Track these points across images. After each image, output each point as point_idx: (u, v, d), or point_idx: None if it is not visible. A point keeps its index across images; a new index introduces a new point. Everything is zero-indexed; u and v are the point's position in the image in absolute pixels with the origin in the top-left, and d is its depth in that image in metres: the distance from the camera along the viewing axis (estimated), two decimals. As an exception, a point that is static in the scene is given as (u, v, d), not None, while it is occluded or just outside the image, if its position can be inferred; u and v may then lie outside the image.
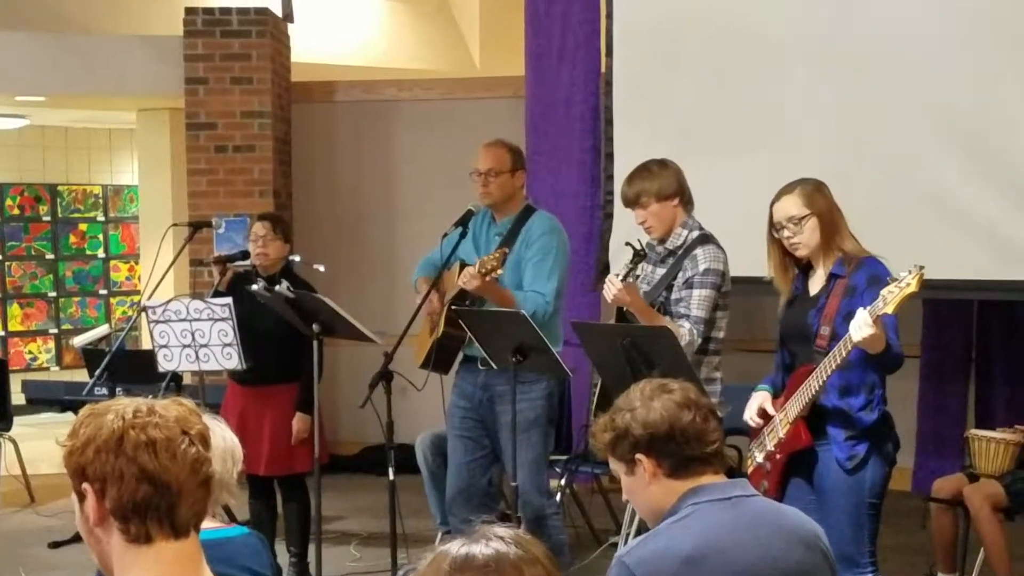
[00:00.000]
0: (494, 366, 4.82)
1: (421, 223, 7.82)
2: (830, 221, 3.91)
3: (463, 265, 4.89)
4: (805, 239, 3.90)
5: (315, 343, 5.13)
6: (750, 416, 3.97)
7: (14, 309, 11.11)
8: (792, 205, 3.91)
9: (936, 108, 6.10)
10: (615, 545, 5.65)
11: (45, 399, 7.73)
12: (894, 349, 3.69)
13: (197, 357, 5.21)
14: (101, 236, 11.57)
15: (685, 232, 4.56)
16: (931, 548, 5.38)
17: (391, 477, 4.80)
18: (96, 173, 11.54)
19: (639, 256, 4.36)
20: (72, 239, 11.41)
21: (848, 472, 3.80)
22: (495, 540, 1.64)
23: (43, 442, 7.35)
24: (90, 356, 7.25)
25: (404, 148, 8.52)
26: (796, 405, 3.81)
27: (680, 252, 4.53)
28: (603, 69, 7.53)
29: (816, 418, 3.82)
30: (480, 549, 1.62)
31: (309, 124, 8.61)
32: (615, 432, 2.58)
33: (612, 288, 4.26)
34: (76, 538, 5.79)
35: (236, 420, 5.21)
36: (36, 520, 7.09)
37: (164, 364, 5.28)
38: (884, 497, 3.88)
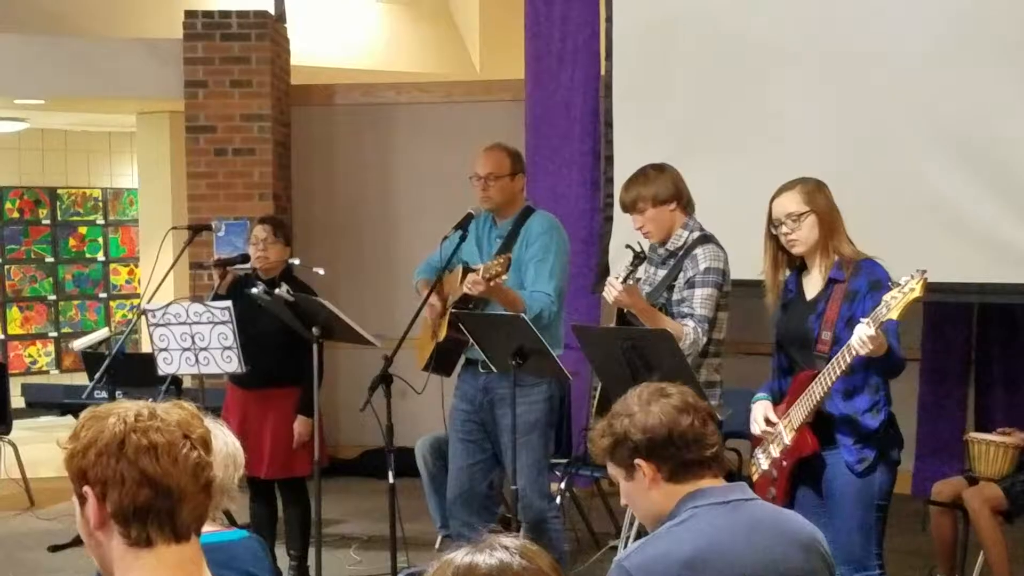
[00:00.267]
0: (494, 369, 4.82)
1: (421, 226, 7.83)
2: (829, 220, 3.91)
3: (466, 268, 4.89)
4: (803, 236, 3.90)
5: (315, 346, 5.13)
6: (759, 428, 3.96)
7: (14, 312, 11.11)
8: (791, 202, 3.91)
9: (934, 110, 6.10)
10: (615, 549, 5.65)
11: (45, 402, 7.73)
12: (896, 354, 3.69)
13: (197, 360, 5.21)
14: (101, 239, 11.57)
15: (686, 233, 4.56)
16: (931, 551, 5.38)
17: (391, 480, 4.79)
18: (96, 176, 11.54)
19: (639, 258, 4.35)
20: (72, 242, 11.41)
21: (858, 476, 3.80)
22: (500, 550, 1.64)
23: (43, 445, 7.37)
24: (90, 359, 7.24)
25: (404, 151, 8.52)
26: (800, 411, 3.80)
27: (681, 253, 4.53)
28: (602, 72, 7.53)
29: (823, 424, 3.82)
30: (484, 559, 1.63)
31: (309, 127, 8.62)
32: (613, 438, 2.57)
33: (613, 291, 4.26)
34: (76, 541, 5.80)
35: (237, 423, 5.21)
36: (36, 523, 7.08)
37: (164, 367, 5.27)
38: (891, 499, 3.89)
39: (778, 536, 2.53)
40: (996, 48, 5.95)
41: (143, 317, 5.44)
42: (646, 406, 2.56)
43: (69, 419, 7.00)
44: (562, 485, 6.14)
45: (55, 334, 11.29)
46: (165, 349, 5.23)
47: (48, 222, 11.26)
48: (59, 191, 11.30)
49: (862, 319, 3.56)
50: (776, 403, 3.96)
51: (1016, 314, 7.02)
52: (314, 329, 5.09)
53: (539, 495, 5.00)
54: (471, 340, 4.82)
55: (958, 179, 6.01)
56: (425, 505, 6.19)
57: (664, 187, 4.53)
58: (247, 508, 5.64)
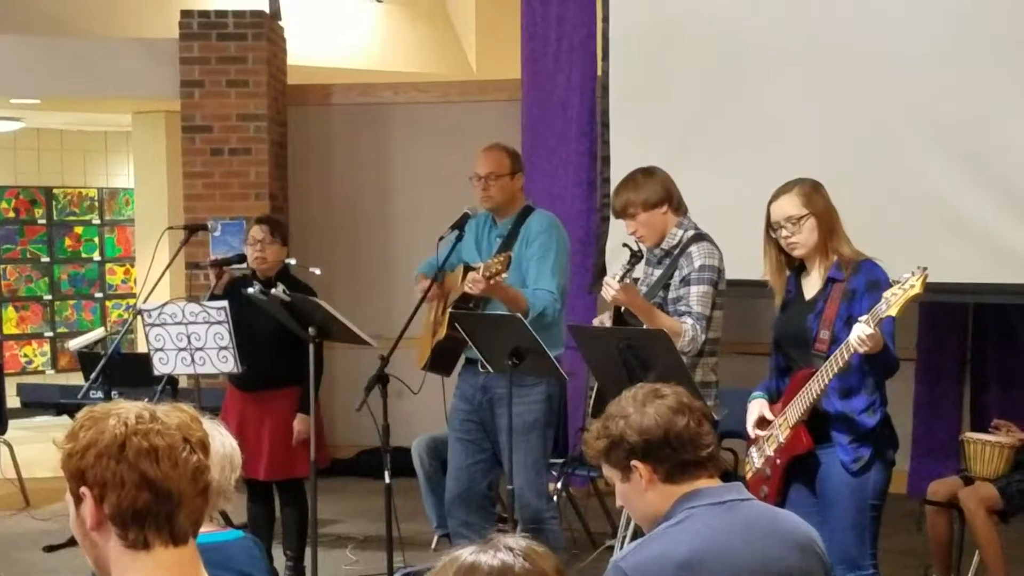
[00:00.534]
0: (490, 369, 4.83)
1: (417, 226, 7.83)
2: (827, 221, 3.91)
3: (467, 268, 4.90)
4: (803, 239, 3.90)
5: (311, 346, 5.12)
6: (752, 427, 3.96)
7: (9, 312, 11.10)
8: (790, 205, 3.91)
9: (933, 110, 6.11)
10: (611, 548, 5.65)
11: (40, 402, 7.72)
12: (891, 353, 3.70)
13: (193, 360, 5.20)
14: (97, 239, 11.56)
15: (680, 232, 4.55)
16: (927, 551, 5.39)
17: (387, 480, 4.80)
18: (92, 176, 11.53)
19: (636, 257, 4.35)
20: (67, 242, 11.40)
21: (853, 475, 3.80)
22: (503, 551, 1.65)
23: (38, 445, 7.37)
24: (85, 359, 7.24)
25: (400, 151, 8.52)
26: (796, 409, 3.81)
27: (676, 252, 4.53)
28: (599, 72, 7.54)
29: (818, 422, 3.82)
30: (487, 559, 1.63)
31: (305, 127, 8.61)
32: (609, 439, 2.57)
33: (610, 290, 4.26)
34: (71, 542, 5.79)
35: (236, 425, 5.21)
36: (31, 524, 7.07)
37: (160, 367, 5.27)
38: (885, 499, 3.89)
39: (774, 536, 2.53)
40: (996, 48, 5.96)
41: (139, 317, 5.43)
42: (641, 407, 2.55)
43: (65, 419, 7.00)
44: (558, 485, 6.14)
45: (51, 334, 11.27)
46: (161, 349, 5.23)
47: (44, 222, 11.25)
48: (55, 191, 11.29)
49: (861, 317, 3.56)
50: (773, 402, 3.97)
51: (1011, 314, 7.03)
52: (310, 329, 5.09)
53: (537, 495, 5.00)
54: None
55: (956, 179, 6.02)
56: (421, 505, 6.20)
57: (653, 191, 4.52)
58: (244, 508, 5.64)
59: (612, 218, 6.98)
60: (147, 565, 1.82)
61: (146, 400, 1.91)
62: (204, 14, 8.18)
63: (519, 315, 4.61)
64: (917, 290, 3.46)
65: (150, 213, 9.17)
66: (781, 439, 3.85)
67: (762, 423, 3.96)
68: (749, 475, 3.99)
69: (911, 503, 6.10)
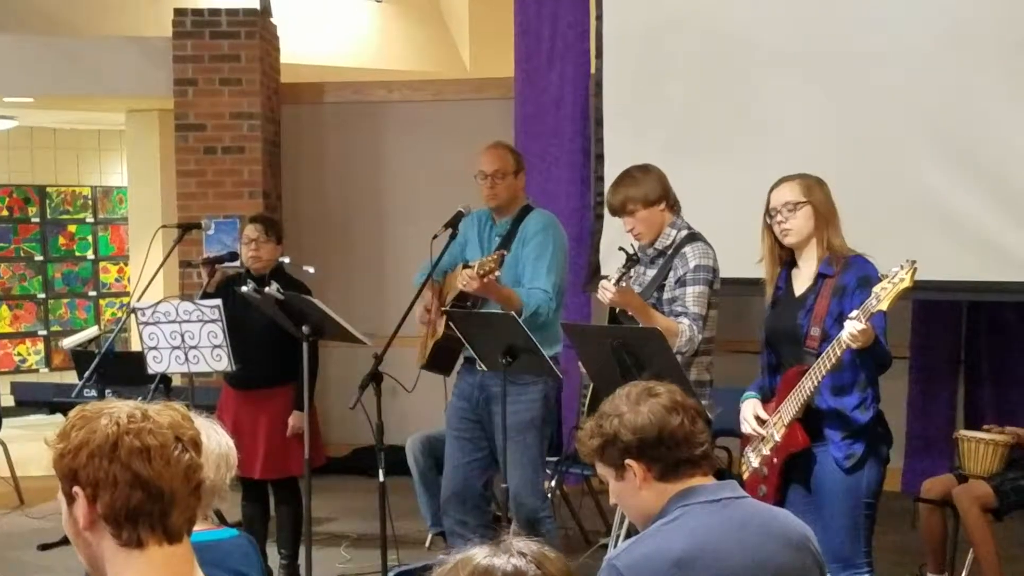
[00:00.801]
0: (484, 368, 4.82)
1: (410, 224, 7.83)
2: (824, 213, 3.90)
3: (466, 266, 4.90)
4: (797, 226, 3.89)
5: (305, 344, 5.12)
6: (749, 427, 3.96)
7: (3, 311, 11.08)
8: (790, 191, 3.92)
9: (925, 110, 6.11)
10: (605, 547, 5.65)
11: (34, 401, 7.71)
12: (883, 347, 3.69)
13: (187, 359, 5.20)
14: (90, 237, 11.54)
15: (674, 232, 4.55)
16: (921, 548, 5.39)
17: (381, 479, 4.79)
18: (85, 174, 11.52)
19: (632, 260, 4.35)
20: (61, 240, 11.39)
21: (846, 472, 3.80)
22: (516, 556, 1.66)
23: (32, 444, 7.30)
24: (79, 358, 7.23)
25: (394, 149, 8.51)
26: (790, 407, 3.80)
27: (670, 252, 4.53)
28: (593, 70, 7.54)
29: (811, 420, 3.82)
30: (502, 564, 1.64)
31: (299, 125, 8.61)
32: (603, 438, 2.57)
33: (607, 293, 4.26)
34: (65, 540, 5.76)
35: (231, 423, 5.20)
36: (25, 522, 7.07)
37: (153, 366, 5.26)
38: (880, 497, 3.89)
39: (768, 534, 2.53)
40: (988, 49, 5.96)
41: (132, 315, 5.43)
42: (635, 406, 2.55)
43: (58, 417, 6.98)
44: (552, 483, 6.14)
45: (44, 332, 11.26)
46: (155, 347, 5.22)
47: (37, 220, 11.24)
48: (48, 189, 11.28)
49: (852, 313, 3.56)
50: (766, 401, 3.97)
51: (1005, 312, 7.04)
52: (304, 327, 5.08)
53: (533, 493, 5.00)
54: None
55: (952, 178, 6.02)
56: (415, 503, 6.19)
57: (652, 187, 4.52)
58: (238, 507, 5.63)
59: (606, 217, 7.01)
60: (141, 564, 1.82)
61: (139, 399, 1.90)
62: (197, 12, 8.17)
63: (512, 313, 4.60)
64: (907, 284, 3.46)
65: (144, 211, 9.16)
66: (777, 438, 3.85)
67: (757, 423, 3.95)
68: (746, 475, 3.98)
69: (905, 501, 6.11)
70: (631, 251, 4.38)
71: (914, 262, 3.48)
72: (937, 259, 5.75)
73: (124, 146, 10.42)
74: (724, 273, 4.56)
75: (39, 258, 11.26)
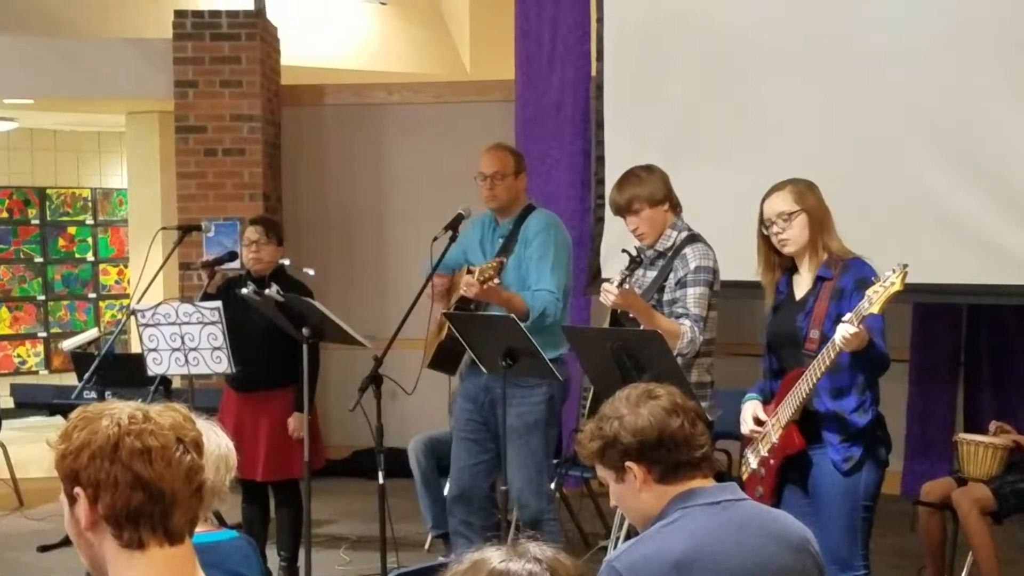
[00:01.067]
0: (484, 370, 4.83)
1: (411, 227, 7.83)
2: (819, 219, 3.91)
3: (469, 270, 4.90)
4: (794, 235, 3.91)
5: (305, 346, 5.12)
6: (748, 427, 3.97)
7: (3, 312, 11.08)
8: (782, 201, 3.92)
9: (925, 110, 6.11)
10: (605, 549, 5.65)
11: (34, 403, 7.72)
12: (879, 349, 3.69)
13: (186, 361, 5.20)
14: (90, 239, 11.55)
15: (675, 233, 4.56)
16: (920, 552, 5.39)
17: (381, 481, 4.79)
18: (85, 176, 11.53)
19: (635, 262, 4.36)
20: (61, 242, 11.39)
21: (844, 474, 3.80)
22: (531, 562, 1.66)
23: (32, 446, 7.34)
24: (79, 359, 7.22)
25: (394, 152, 8.51)
26: (787, 409, 3.81)
27: (670, 253, 4.54)
28: (593, 73, 7.54)
29: (810, 422, 3.82)
30: (518, 569, 1.65)
31: (299, 127, 8.61)
32: (603, 440, 2.57)
33: (610, 296, 4.26)
34: (65, 542, 5.78)
35: (232, 426, 5.20)
36: (25, 524, 7.07)
37: (153, 368, 5.26)
38: (877, 500, 3.89)
39: (768, 536, 2.53)
40: (988, 50, 5.96)
41: (132, 317, 5.43)
42: (635, 408, 2.56)
43: (58, 419, 6.98)
44: (552, 485, 6.14)
45: (44, 334, 11.26)
46: (155, 349, 5.22)
47: (37, 222, 11.24)
48: (48, 191, 11.28)
49: (845, 316, 3.57)
50: (767, 404, 3.97)
51: (1005, 316, 7.03)
52: (304, 330, 5.09)
53: (537, 495, 5.00)
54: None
55: (952, 180, 6.01)
56: (415, 506, 6.19)
57: (656, 187, 4.54)
58: (238, 508, 5.63)
59: (607, 219, 7.02)
60: (142, 565, 1.82)
61: (139, 400, 1.90)
62: (198, 14, 8.17)
63: (512, 316, 4.61)
64: (898, 287, 3.47)
65: (144, 213, 9.16)
66: (774, 439, 3.85)
67: (757, 424, 3.96)
68: (745, 476, 3.99)
69: (904, 504, 6.11)
70: (634, 253, 4.39)
71: (905, 266, 3.49)
72: (937, 260, 5.75)
73: (124, 148, 10.42)
74: (727, 276, 4.57)
75: (39, 260, 11.26)
